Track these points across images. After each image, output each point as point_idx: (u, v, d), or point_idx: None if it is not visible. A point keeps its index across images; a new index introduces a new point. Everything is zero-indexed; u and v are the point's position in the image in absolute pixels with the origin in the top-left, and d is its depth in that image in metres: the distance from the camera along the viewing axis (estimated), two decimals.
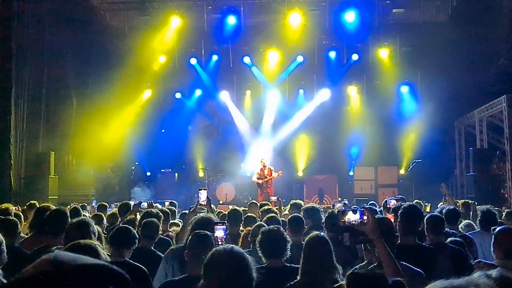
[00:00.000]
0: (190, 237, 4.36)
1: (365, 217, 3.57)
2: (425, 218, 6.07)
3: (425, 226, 5.97)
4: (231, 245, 3.16)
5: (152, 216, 6.60)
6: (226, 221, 5.37)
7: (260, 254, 4.76)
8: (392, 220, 5.42)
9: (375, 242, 3.64)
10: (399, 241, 5.02)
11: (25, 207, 9.81)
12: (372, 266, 3.94)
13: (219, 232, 4.63)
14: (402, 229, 5.11)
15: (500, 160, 18.72)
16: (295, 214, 7.10)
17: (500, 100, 18.42)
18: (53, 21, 19.97)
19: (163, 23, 22.13)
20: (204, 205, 6.95)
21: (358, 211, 3.63)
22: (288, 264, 4.74)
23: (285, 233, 4.90)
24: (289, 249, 4.79)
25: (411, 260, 4.17)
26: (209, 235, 4.46)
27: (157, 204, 11.41)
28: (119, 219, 8.35)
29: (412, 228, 5.11)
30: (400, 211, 5.36)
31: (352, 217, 3.58)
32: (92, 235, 4.52)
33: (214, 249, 3.12)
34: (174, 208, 10.22)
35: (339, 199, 19.33)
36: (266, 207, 9.10)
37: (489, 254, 5.86)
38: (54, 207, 6.75)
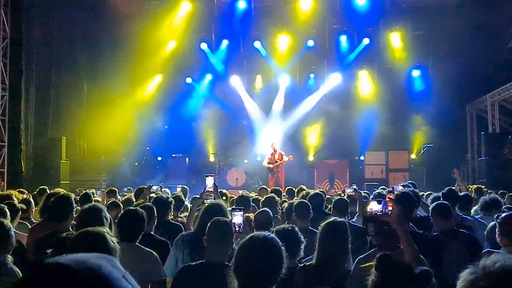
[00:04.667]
0: (209, 224, 4.32)
1: (389, 208, 3.56)
2: (431, 207, 6.05)
3: (431, 214, 5.94)
4: (270, 234, 3.11)
5: (163, 201, 6.61)
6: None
7: None
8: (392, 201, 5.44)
9: (399, 233, 3.63)
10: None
11: (36, 193, 9.83)
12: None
13: (237, 218, 4.59)
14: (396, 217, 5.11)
15: None
16: (301, 200, 7.11)
17: None
18: (62, 6, 19.98)
19: (173, 8, 22.05)
20: (211, 191, 6.94)
21: (382, 202, 3.62)
22: (301, 264, 4.69)
23: (299, 233, 4.84)
24: (302, 249, 4.74)
25: None
26: (229, 222, 4.44)
27: (166, 189, 11.42)
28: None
29: (406, 215, 5.09)
30: (393, 199, 5.36)
31: (375, 207, 3.58)
32: (105, 220, 4.53)
33: (251, 234, 3.07)
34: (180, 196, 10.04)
35: (346, 186, 19.16)
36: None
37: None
38: (64, 193, 6.78)
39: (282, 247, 2.97)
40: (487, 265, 1.46)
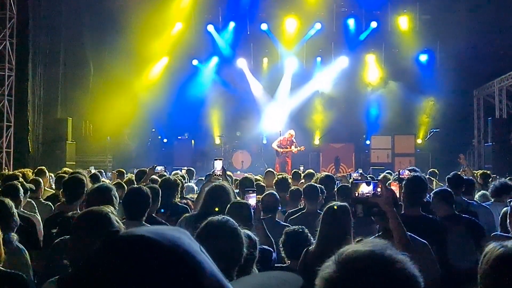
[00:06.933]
0: (229, 207, 4.31)
1: (378, 189, 3.54)
2: (432, 193, 6.02)
3: (433, 201, 5.91)
4: (227, 217, 3.08)
5: (170, 183, 6.61)
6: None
7: (282, 254, 4.71)
8: (397, 189, 5.41)
9: (388, 214, 3.61)
10: (403, 212, 5.02)
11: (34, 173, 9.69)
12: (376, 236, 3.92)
13: (252, 200, 4.60)
14: (406, 200, 5.08)
15: None
16: (311, 183, 7.09)
17: None
18: None
19: None
20: (220, 175, 6.91)
21: (371, 183, 3.60)
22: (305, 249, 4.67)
23: (309, 234, 4.81)
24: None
25: (415, 231, 4.15)
26: (248, 204, 4.45)
27: (179, 172, 11.38)
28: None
29: (416, 199, 5.06)
30: (404, 182, 5.34)
31: (365, 189, 3.56)
32: (114, 199, 4.52)
33: (208, 219, 3.02)
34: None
35: (351, 170, 19.05)
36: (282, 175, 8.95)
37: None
38: (75, 174, 6.80)
39: (238, 228, 2.96)
40: (341, 253, 1.35)
